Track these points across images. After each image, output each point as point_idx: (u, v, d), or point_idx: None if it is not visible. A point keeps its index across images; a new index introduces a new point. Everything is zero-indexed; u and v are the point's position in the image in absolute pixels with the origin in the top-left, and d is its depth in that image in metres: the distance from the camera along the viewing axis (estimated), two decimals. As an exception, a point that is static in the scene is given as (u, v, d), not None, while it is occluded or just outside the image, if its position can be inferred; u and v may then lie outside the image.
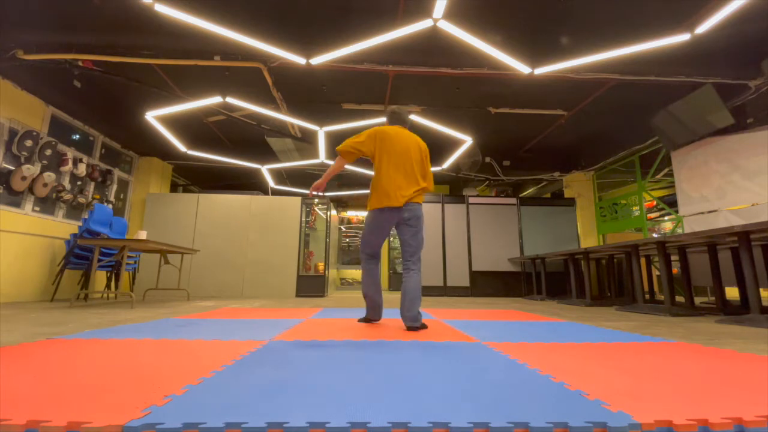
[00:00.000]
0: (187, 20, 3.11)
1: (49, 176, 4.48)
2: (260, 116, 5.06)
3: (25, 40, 3.60)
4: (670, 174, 5.66)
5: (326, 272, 6.40)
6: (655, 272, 6.11)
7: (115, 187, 5.89)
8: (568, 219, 7.14)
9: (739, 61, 3.96)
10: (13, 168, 4.13)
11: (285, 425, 0.72)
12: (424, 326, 2.18)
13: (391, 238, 10.02)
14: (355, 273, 11.07)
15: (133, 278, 5.58)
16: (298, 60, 3.59)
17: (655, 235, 5.41)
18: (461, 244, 6.89)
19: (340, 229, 10.83)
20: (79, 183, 5.14)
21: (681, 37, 3.28)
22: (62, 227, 4.87)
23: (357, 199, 10.88)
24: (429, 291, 6.61)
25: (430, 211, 7.01)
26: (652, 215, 8.78)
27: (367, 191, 8.24)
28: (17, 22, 3.48)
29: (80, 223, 5.05)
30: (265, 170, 6.79)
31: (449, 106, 5.24)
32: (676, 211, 5.44)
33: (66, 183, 4.90)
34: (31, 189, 4.36)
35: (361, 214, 12.36)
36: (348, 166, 6.49)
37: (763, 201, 4.30)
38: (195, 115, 5.35)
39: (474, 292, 6.68)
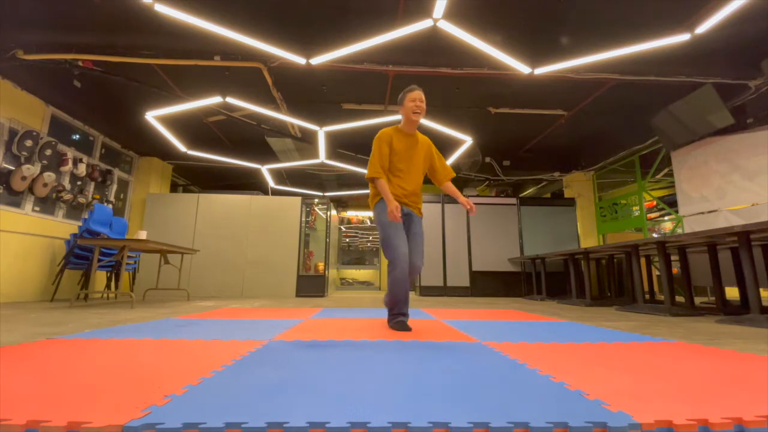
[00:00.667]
0: (187, 20, 3.11)
1: (49, 176, 4.48)
2: (260, 116, 5.06)
3: (25, 40, 3.60)
4: (670, 174, 5.66)
5: (326, 272, 6.40)
6: (655, 272, 6.11)
7: (115, 187, 5.89)
8: (568, 219, 7.14)
9: (739, 61, 3.96)
10: (13, 168, 4.13)
11: (285, 425, 0.72)
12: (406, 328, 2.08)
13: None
14: (355, 273, 11.07)
15: (133, 278, 5.58)
16: (298, 60, 3.59)
17: (655, 235, 5.41)
18: (461, 244, 6.89)
19: (340, 229, 10.83)
20: (79, 183, 5.14)
21: (681, 37, 3.28)
22: (62, 227, 4.87)
23: (357, 199, 10.87)
24: (429, 291, 6.62)
25: (430, 211, 7.01)
26: (652, 215, 8.78)
27: (367, 191, 8.24)
28: (17, 22, 3.48)
29: (80, 223, 5.05)
30: (265, 170, 6.79)
31: (449, 106, 5.24)
32: (676, 211, 5.44)
33: (66, 183, 4.90)
34: (31, 189, 4.36)
35: (362, 214, 12.35)
36: (346, 166, 6.51)
37: (763, 201, 4.30)
38: (195, 115, 5.35)
39: (474, 292, 6.68)
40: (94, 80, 4.62)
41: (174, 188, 8.02)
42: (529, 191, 8.72)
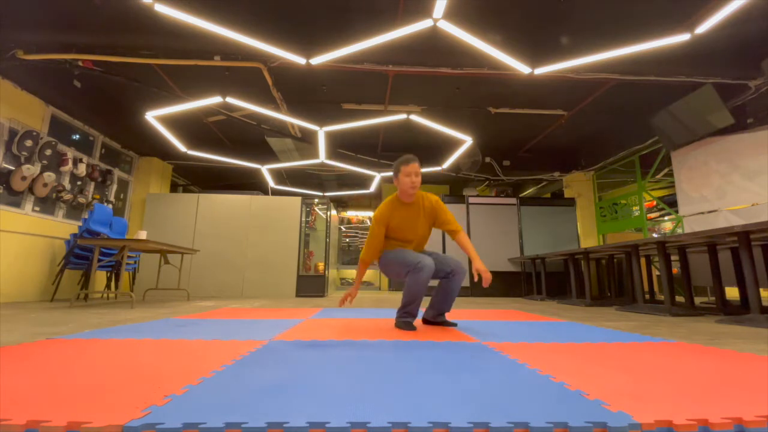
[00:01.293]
0: (187, 20, 3.11)
1: (49, 176, 4.48)
2: (260, 116, 5.06)
3: (25, 40, 3.60)
4: (670, 174, 5.66)
5: (326, 272, 6.40)
6: (655, 272, 6.11)
7: (115, 187, 5.89)
8: (568, 219, 7.14)
9: (739, 61, 3.96)
10: (13, 168, 4.13)
11: (285, 425, 0.72)
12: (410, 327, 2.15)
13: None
14: (355, 273, 11.06)
15: (133, 278, 5.58)
16: (298, 60, 3.59)
17: (655, 235, 5.41)
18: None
19: (340, 229, 10.84)
20: (79, 183, 5.14)
21: (681, 37, 3.28)
22: (62, 227, 4.87)
23: (357, 199, 10.88)
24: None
25: (430, 211, 7.00)
26: (652, 215, 8.78)
27: (367, 191, 8.24)
28: (17, 22, 3.48)
29: (80, 223, 5.05)
30: (265, 170, 6.79)
31: (449, 106, 5.24)
32: (676, 211, 5.44)
33: (66, 183, 4.90)
34: (31, 189, 4.36)
35: (362, 214, 12.35)
36: (346, 166, 6.50)
37: (763, 201, 4.30)
38: (195, 115, 5.35)
39: (474, 292, 6.68)
40: (94, 80, 4.63)
41: (174, 188, 8.02)
42: (529, 191, 8.72)
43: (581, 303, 4.55)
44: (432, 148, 6.55)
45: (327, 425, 0.73)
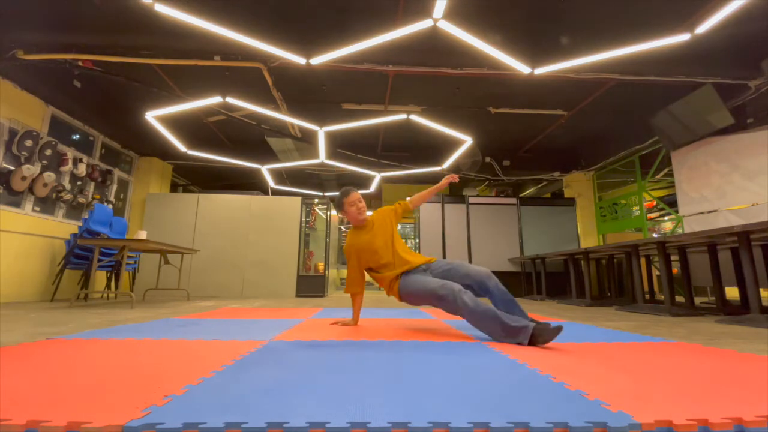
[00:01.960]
0: (187, 20, 3.11)
1: (49, 176, 4.48)
2: (260, 116, 5.06)
3: (25, 40, 3.60)
4: (670, 174, 5.66)
5: (326, 272, 6.40)
6: (655, 272, 6.11)
7: (115, 187, 5.89)
8: (568, 219, 7.14)
9: (739, 61, 3.96)
10: (13, 168, 4.13)
11: (285, 425, 0.72)
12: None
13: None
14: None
15: (133, 278, 5.58)
16: (298, 60, 3.59)
17: (655, 235, 5.41)
18: (461, 244, 6.89)
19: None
20: (79, 183, 5.14)
21: (681, 37, 3.28)
22: (62, 227, 4.87)
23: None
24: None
25: (430, 212, 7.01)
26: (652, 215, 8.78)
27: (367, 191, 8.24)
28: (17, 22, 3.48)
29: (80, 223, 5.05)
30: (265, 170, 6.79)
31: (449, 106, 5.24)
32: (676, 211, 5.44)
33: (66, 183, 4.90)
34: (31, 189, 4.36)
35: (361, 214, 12.35)
36: (346, 166, 6.50)
37: (763, 201, 4.30)
38: (195, 115, 5.35)
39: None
40: (94, 80, 4.63)
41: (174, 188, 8.02)
42: (529, 191, 8.72)
43: (581, 303, 4.55)
44: (432, 148, 6.55)
45: (327, 425, 0.73)
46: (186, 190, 8.55)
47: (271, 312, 3.20)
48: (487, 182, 8.00)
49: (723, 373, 1.17)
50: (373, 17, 3.45)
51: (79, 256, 4.46)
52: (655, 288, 6.27)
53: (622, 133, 5.87)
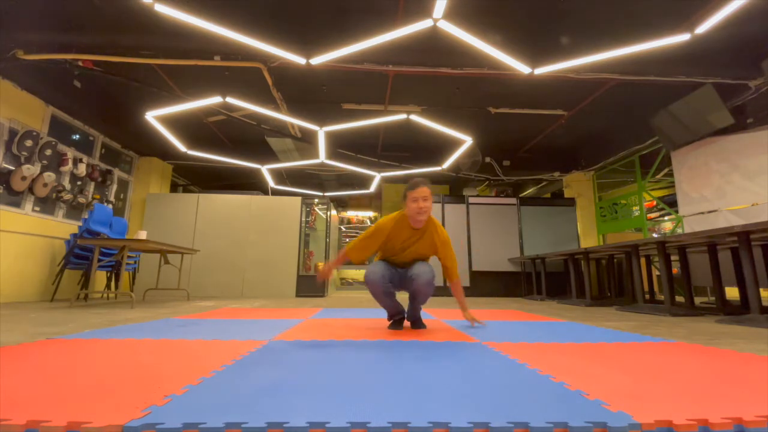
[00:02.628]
0: (187, 20, 3.11)
1: (49, 176, 4.48)
2: (260, 116, 5.06)
3: (25, 40, 3.60)
4: (670, 174, 5.66)
5: (326, 272, 6.39)
6: (655, 272, 6.11)
7: (115, 187, 5.88)
8: (568, 219, 7.14)
9: (739, 61, 3.96)
10: (13, 168, 4.13)
11: (285, 425, 0.72)
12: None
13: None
14: (355, 273, 11.08)
15: (133, 278, 5.58)
16: (298, 60, 3.59)
17: (655, 235, 5.41)
18: (461, 243, 6.89)
19: (340, 229, 10.83)
20: (79, 183, 5.13)
21: (681, 37, 3.28)
22: (62, 227, 4.87)
23: (357, 199, 10.88)
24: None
25: (430, 211, 7.00)
26: (652, 215, 8.78)
27: (367, 191, 8.24)
28: (17, 22, 3.48)
29: (80, 223, 5.05)
30: (265, 170, 6.79)
31: (449, 106, 5.24)
32: (676, 211, 5.44)
33: (66, 183, 4.90)
34: (31, 189, 4.36)
35: (362, 214, 12.36)
36: (346, 166, 6.50)
37: (763, 201, 4.30)
38: (195, 115, 5.35)
39: (474, 292, 6.68)
40: (94, 80, 4.62)
41: (174, 188, 8.02)
42: (529, 191, 8.72)
43: (581, 303, 4.54)
44: (432, 148, 6.55)
45: (327, 425, 0.73)
46: (186, 190, 8.55)
47: (271, 312, 3.20)
48: (487, 182, 8.00)
49: (723, 373, 1.17)
50: (373, 17, 3.45)
51: (79, 256, 4.46)
52: (655, 288, 6.26)
53: (622, 133, 5.87)
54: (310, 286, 6.16)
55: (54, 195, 4.70)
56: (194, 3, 3.19)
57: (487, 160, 6.89)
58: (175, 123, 5.40)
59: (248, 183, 8.37)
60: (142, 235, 4.03)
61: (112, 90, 4.90)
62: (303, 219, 6.46)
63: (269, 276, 6.10)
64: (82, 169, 5.04)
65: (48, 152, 4.52)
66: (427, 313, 3.18)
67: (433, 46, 3.69)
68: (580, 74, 3.96)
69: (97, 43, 3.67)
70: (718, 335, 2.10)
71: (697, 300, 5.33)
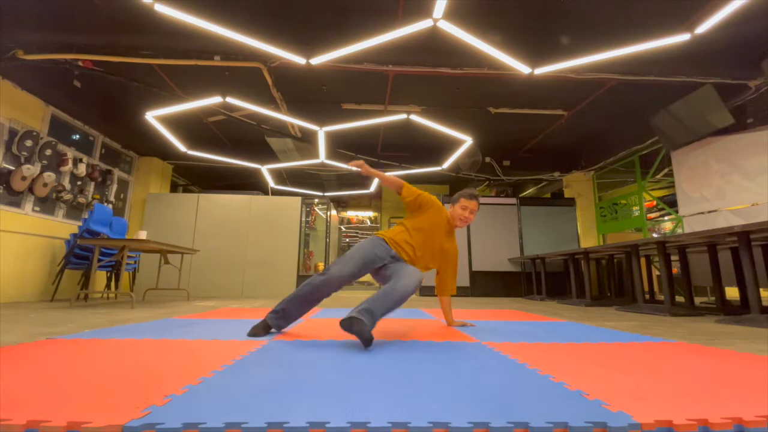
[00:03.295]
0: (187, 20, 3.11)
1: (49, 176, 4.48)
2: (260, 116, 5.06)
3: (25, 40, 3.60)
4: (670, 174, 5.66)
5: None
6: (655, 272, 6.11)
7: (115, 187, 5.88)
8: (568, 219, 7.14)
9: (739, 61, 3.96)
10: (13, 168, 4.13)
11: (285, 425, 0.72)
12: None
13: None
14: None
15: (133, 278, 5.58)
16: (298, 60, 3.59)
17: (655, 235, 5.41)
18: (461, 244, 6.88)
19: (340, 229, 10.83)
20: (79, 183, 5.13)
21: (681, 37, 3.28)
22: (62, 227, 4.87)
23: (357, 199, 10.88)
24: (429, 291, 6.61)
25: (430, 211, 7.00)
26: (652, 215, 8.78)
27: (367, 191, 8.25)
28: (17, 22, 3.47)
29: (80, 223, 5.05)
30: (265, 170, 6.79)
31: (449, 106, 5.24)
32: (676, 211, 5.44)
33: (66, 183, 4.90)
34: (31, 189, 4.36)
35: (362, 214, 12.35)
36: (346, 166, 6.50)
37: (763, 201, 4.30)
38: (195, 115, 5.35)
39: (474, 292, 6.68)
40: (94, 80, 4.62)
41: (174, 188, 8.02)
42: (529, 191, 8.72)
43: (581, 303, 4.54)
44: (432, 148, 6.55)
45: (327, 425, 0.73)
46: (186, 190, 8.55)
47: (271, 312, 3.19)
48: (487, 182, 7.99)
49: (723, 373, 1.17)
50: (373, 17, 3.45)
51: (79, 256, 4.46)
52: (655, 288, 6.26)
53: (622, 133, 5.87)
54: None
55: (54, 195, 4.70)
56: (194, 3, 3.19)
57: (487, 160, 6.89)
58: (175, 123, 5.40)
59: (248, 183, 8.37)
60: (142, 235, 4.02)
61: (112, 90, 4.90)
62: (303, 219, 6.46)
63: (269, 276, 6.10)
64: (82, 169, 5.04)
65: (48, 152, 4.52)
66: (427, 313, 3.18)
67: (433, 46, 3.69)
68: (580, 74, 3.96)
69: (97, 43, 3.67)
70: (718, 335, 2.10)
71: (697, 300, 5.33)
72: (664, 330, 2.30)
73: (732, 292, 6.13)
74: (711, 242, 3.62)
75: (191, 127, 5.81)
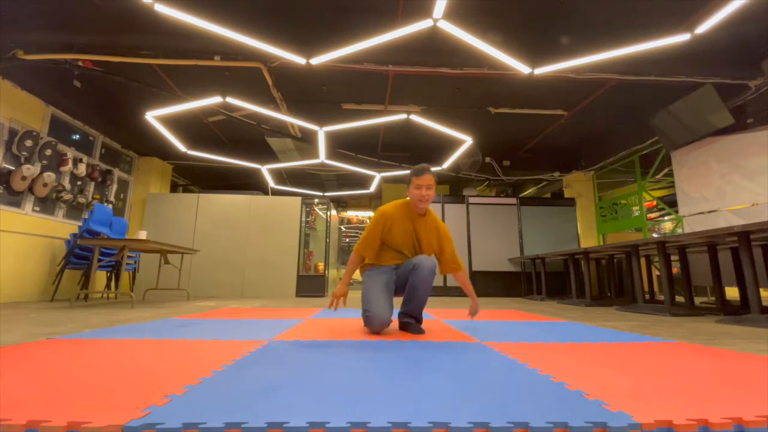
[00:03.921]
0: (186, 20, 3.11)
1: (49, 176, 4.48)
2: (260, 116, 5.06)
3: (25, 40, 3.60)
4: (670, 174, 5.66)
5: (326, 272, 6.40)
6: (655, 272, 6.11)
7: (115, 187, 5.88)
8: (568, 219, 7.14)
9: (739, 61, 3.96)
10: (13, 168, 4.13)
11: (285, 425, 0.72)
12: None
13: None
14: (355, 273, 11.06)
15: (133, 278, 5.58)
16: (298, 60, 3.59)
17: (655, 235, 5.41)
18: (461, 244, 6.89)
19: (340, 229, 10.83)
20: (79, 183, 5.13)
21: (681, 37, 3.28)
22: (62, 227, 4.87)
23: (357, 199, 10.87)
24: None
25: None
26: (652, 215, 8.78)
27: (367, 191, 8.24)
28: (17, 22, 3.47)
29: (80, 223, 5.05)
30: (265, 170, 6.79)
31: (449, 106, 5.24)
32: (676, 211, 5.44)
33: (66, 183, 4.90)
34: (31, 189, 4.36)
35: (362, 214, 12.35)
36: (346, 166, 6.50)
37: (763, 201, 4.30)
38: (195, 115, 5.35)
39: (474, 292, 6.67)
40: (94, 80, 4.62)
41: (174, 188, 8.02)
42: (529, 191, 8.71)
43: (581, 303, 4.54)
44: (432, 148, 6.55)
45: (327, 425, 0.73)
46: (186, 190, 8.55)
47: (271, 312, 3.20)
48: (487, 182, 8.00)
49: (723, 373, 1.17)
50: (373, 17, 3.45)
51: (79, 256, 4.46)
52: (655, 288, 6.27)
53: (622, 133, 5.87)
54: (310, 286, 6.16)
55: (54, 195, 4.70)
56: (194, 3, 3.19)
57: (487, 160, 6.89)
58: (175, 123, 5.40)
59: (248, 183, 8.37)
60: (142, 235, 4.02)
61: (112, 90, 4.90)
62: (303, 219, 6.46)
63: (269, 276, 6.10)
64: (82, 169, 5.04)
65: (48, 152, 4.52)
66: (427, 313, 3.18)
67: (433, 46, 3.69)
68: (580, 74, 3.96)
69: (97, 43, 3.67)
70: (718, 335, 2.10)
71: (697, 300, 5.33)
72: (664, 330, 2.30)
73: (732, 292, 6.14)
74: (711, 242, 3.62)
75: (191, 127, 5.81)
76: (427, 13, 3.00)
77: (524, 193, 8.80)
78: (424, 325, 2.15)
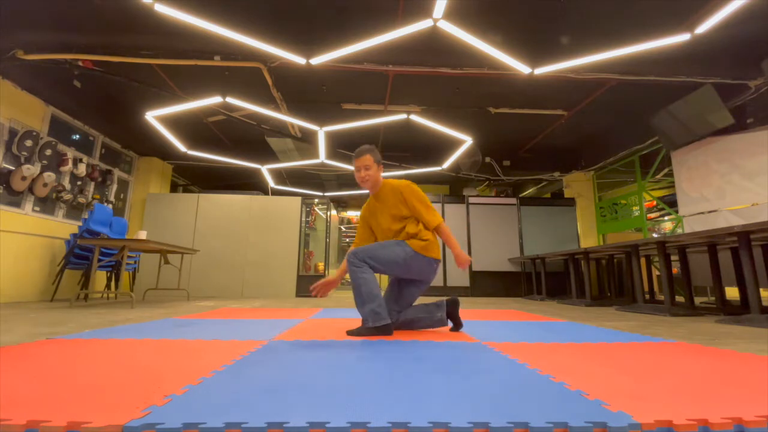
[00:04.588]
0: (187, 20, 3.11)
1: (49, 176, 4.48)
2: (260, 116, 5.06)
3: (25, 40, 3.60)
4: (670, 174, 5.66)
5: (326, 272, 6.40)
6: (655, 272, 6.11)
7: (115, 187, 5.88)
8: (568, 219, 7.14)
9: (739, 61, 3.96)
10: (13, 168, 4.13)
11: (285, 425, 0.72)
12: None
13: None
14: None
15: (133, 278, 5.58)
16: (298, 60, 3.59)
17: (655, 235, 5.41)
18: (461, 244, 6.89)
19: (340, 229, 10.83)
20: (79, 183, 5.13)
21: (681, 37, 3.28)
22: (62, 227, 4.87)
23: (357, 199, 10.87)
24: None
25: (430, 211, 7.01)
26: (652, 215, 8.78)
27: (366, 191, 8.25)
28: (17, 22, 3.48)
29: (80, 223, 5.05)
30: (265, 170, 6.79)
31: (449, 106, 5.24)
32: (676, 211, 5.44)
33: (66, 183, 4.90)
34: (31, 189, 4.36)
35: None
36: (346, 166, 6.50)
37: (763, 201, 4.30)
38: (195, 115, 5.35)
39: (474, 292, 6.68)
40: (94, 80, 4.62)
41: (174, 188, 8.02)
42: (529, 191, 8.72)
43: (581, 303, 4.54)
44: (432, 148, 6.55)
45: (327, 425, 0.73)
46: (186, 190, 8.55)
47: (271, 312, 3.20)
48: (487, 182, 8.00)
49: (723, 373, 1.17)
50: (373, 17, 3.45)
51: (79, 256, 4.46)
52: (655, 288, 6.27)
53: (622, 133, 5.87)
54: (310, 286, 6.16)
55: (54, 195, 4.70)
56: (194, 3, 3.19)
57: (487, 160, 6.89)
58: (175, 123, 5.40)
59: (248, 183, 8.37)
60: (142, 235, 4.02)
61: (112, 90, 4.90)
62: (303, 219, 6.46)
63: (269, 276, 6.10)
64: (82, 169, 5.04)
65: (48, 152, 4.52)
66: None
67: (433, 46, 3.69)
68: (580, 74, 3.96)
69: (97, 43, 3.67)
70: (718, 335, 2.10)
71: (697, 300, 5.33)
72: (664, 330, 2.30)
73: (732, 292, 6.14)
74: (711, 242, 3.62)
75: (191, 127, 5.81)
76: (427, 13, 3.00)
77: (524, 193, 8.80)
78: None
